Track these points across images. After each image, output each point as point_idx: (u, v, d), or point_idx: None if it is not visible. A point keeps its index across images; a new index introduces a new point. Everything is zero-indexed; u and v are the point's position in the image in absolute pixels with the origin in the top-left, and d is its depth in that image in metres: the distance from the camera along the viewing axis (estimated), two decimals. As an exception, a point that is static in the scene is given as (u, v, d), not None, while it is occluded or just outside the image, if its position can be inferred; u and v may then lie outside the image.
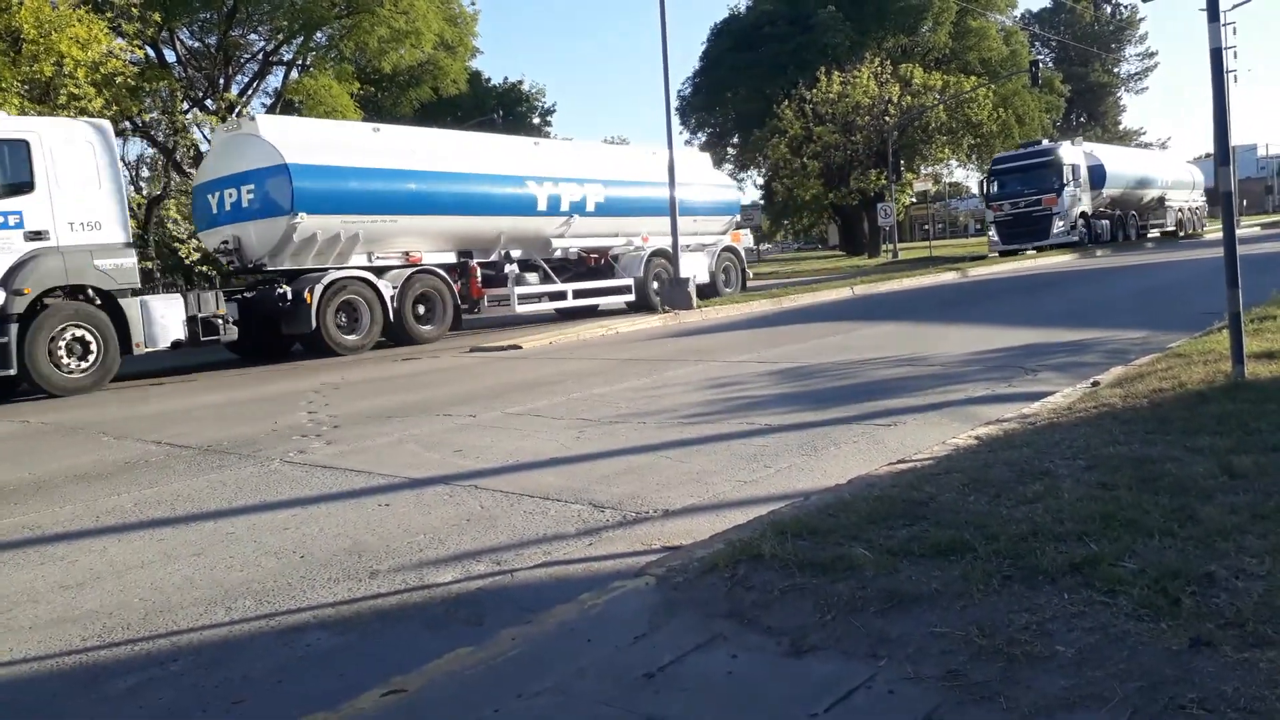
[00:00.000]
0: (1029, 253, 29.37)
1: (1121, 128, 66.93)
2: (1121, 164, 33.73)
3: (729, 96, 51.11)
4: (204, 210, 14.37)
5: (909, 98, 39.64)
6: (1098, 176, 31.25)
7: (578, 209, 16.64)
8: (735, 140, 54.81)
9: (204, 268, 31.72)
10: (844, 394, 6.55)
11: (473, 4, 40.85)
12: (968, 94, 42.49)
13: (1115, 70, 66.79)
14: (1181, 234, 37.27)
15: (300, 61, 37.23)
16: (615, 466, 4.91)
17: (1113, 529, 2.81)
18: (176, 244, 29.23)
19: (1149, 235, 35.87)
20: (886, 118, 37.78)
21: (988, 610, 2.40)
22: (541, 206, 16.10)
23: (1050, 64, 60.65)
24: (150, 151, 41.66)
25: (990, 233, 32.35)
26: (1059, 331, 9.17)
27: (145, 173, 46.75)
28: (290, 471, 5.37)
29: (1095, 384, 5.49)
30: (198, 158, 35.30)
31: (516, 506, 4.25)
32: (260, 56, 38.03)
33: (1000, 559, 2.68)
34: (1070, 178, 29.64)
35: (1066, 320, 10.42)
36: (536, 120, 54.97)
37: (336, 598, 3.28)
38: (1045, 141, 33.70)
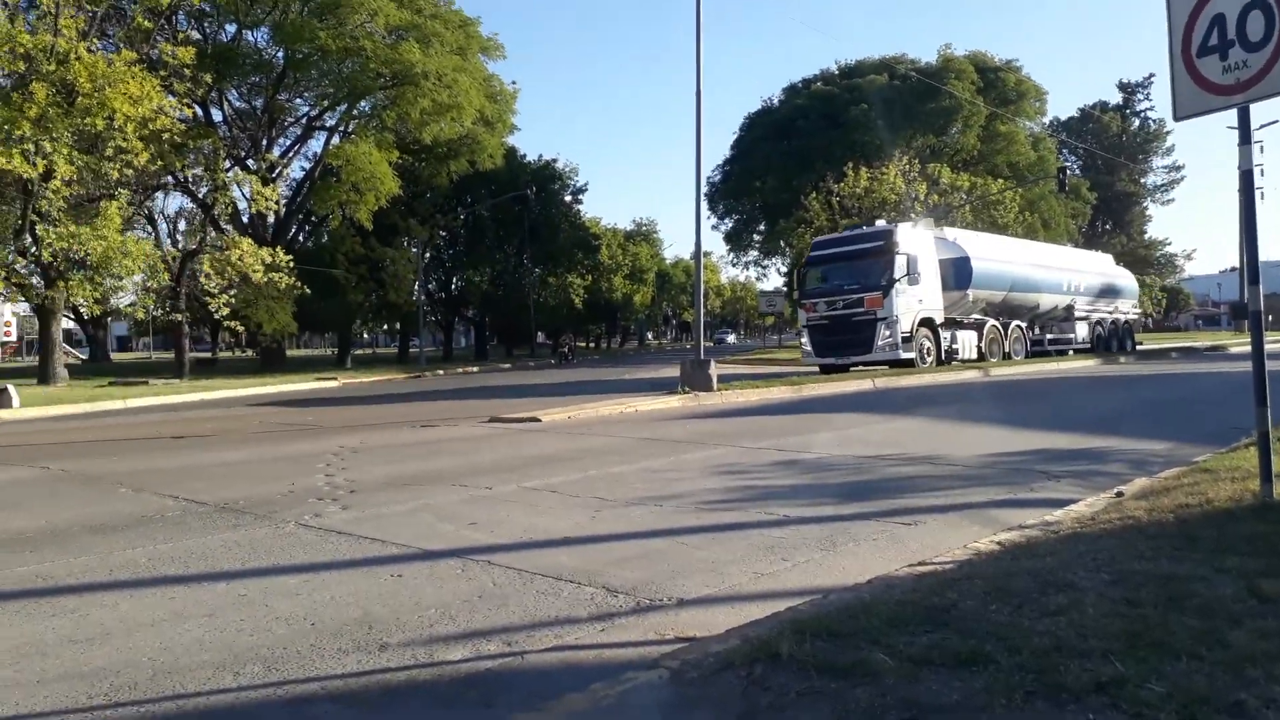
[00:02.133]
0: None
1: (1147, 237, 67.26)
2: (999, 258, 26.50)
3: (758, 185, 51.98)
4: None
5: (936, 196, 40.15)
6: (961, 273, 24.61)
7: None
8: (762, 228, 55.57)
9: (232, 323, 32.31)
10: (863, 489, 6.49)
11: (513, 83, 42.18)
12: (994, 195, 43.01)
13: (1142, 180, 67.48)
14: (1097, 352, 30.64)
15: (343, 128, 38.36)
16: (630, 550, 4.87)
17: (1139, 648, 2.76)
18: (207, 298, 29.69)
19: (1049, 352, 29.12)
20: (913, 215, 38.23)
21: (1010, 728, 2.34)
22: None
23: (1077, 171, 61.47)
24: (190, 206, 42.92)
25: (803, 340, 24.47)
26: (1080, 437, 9.10)
27: (183, 226, 47.98)
28: (305, 535, 5.36)
29: (1119, 494, 5.43)
30: (234, 216, 36.28)
31: (530, 585, 4.21)
32: (304, 121, 39.25)
33: (1023, 673, 2.63)
34: (905, 271, 22.43)
35: (1087, 426, 10.35)
36: (568, 198, 55.96)
37: (346, 669, 3.25)
38: (880, 222, 26.64)
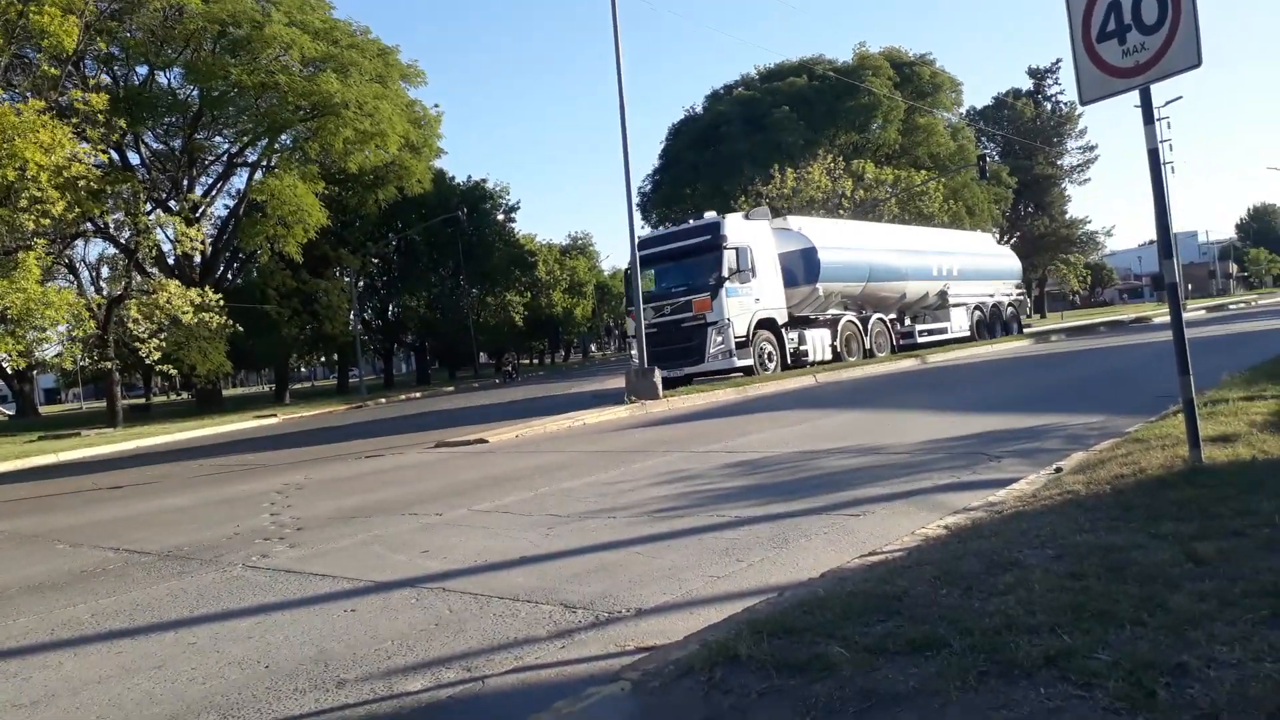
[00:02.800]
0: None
1: (1068, 217, 69.22)
2: (853, 245, 24.03)
3: (688, 192, 52.39)
4: None
5: (862, 191, 40.88)
6: (808, 265, 22.00)
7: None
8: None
9: (164, 367, 31.51)
10: (812, 484, 6.57)
11: (436, 106, 41.94)
12: (919, 187, 43.91)
13: (1058, 163, 69.44)
14: (978, 339, 28.88)
15: (265, 162, 37.74)
16: (586, 564, 4.86)
17: (1084, 620, 2.84)
18: (137, 344, 28.92)
19: (921, 344, 26.61)
20: (841, 211, 38.81)
21: (966, 708, 2.40)
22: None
23: (996, 157, 63.00)
24: (113, 252, 41.75)
25: (631, 352, 20.66)
26: (1017, 417, 9.32)
27: (106, 272, 46.68)
28: (253, 577, 5.25)
29: (1058, 470, 5.58)
30: (160, 258, 35.42)
31: (486, 609, 4.18)
32: (225, 158, 38.52)
33: (976, 654, 2.69)
34: (735, 268, 19.52)
35: (1024, 405, 10.61)
36: (501, 217, 55.75)
37: (303, 709, 3.19)
38: (711, 214, 22.23)
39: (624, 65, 16.54)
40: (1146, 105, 5.16)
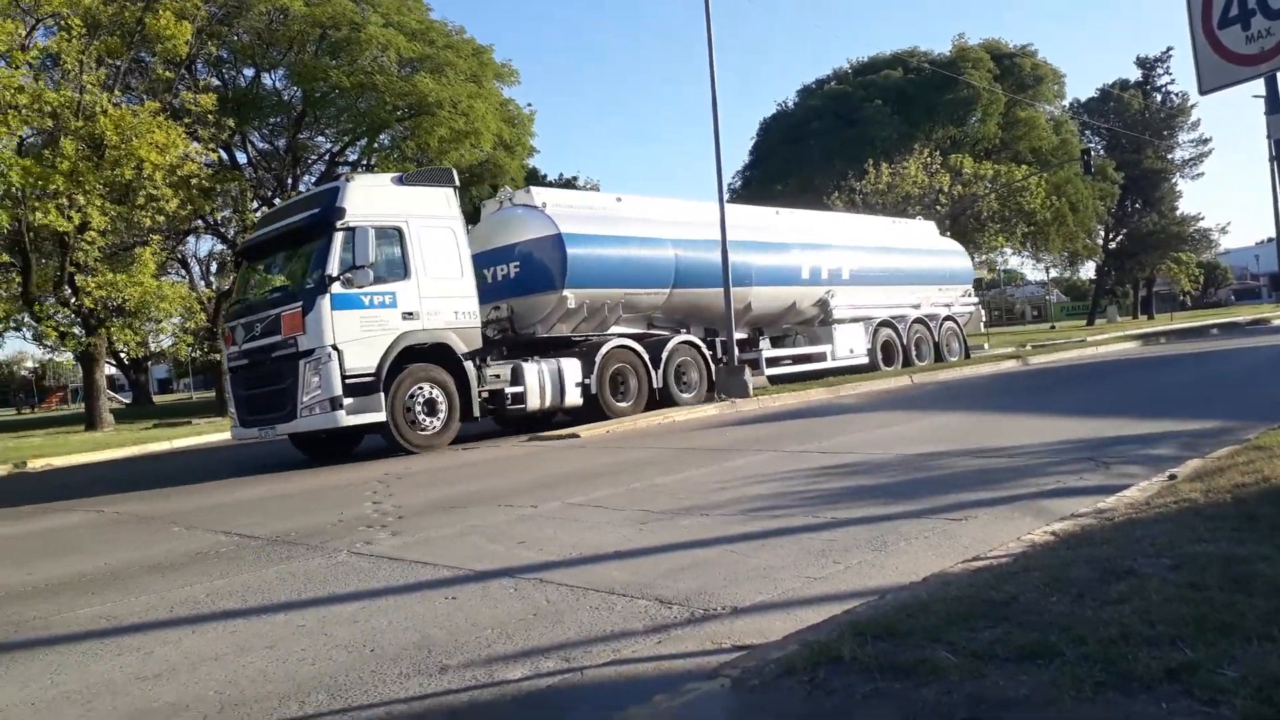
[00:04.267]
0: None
1: (1179, 214, 66.20)
2: (634, 234, 15.46)
3: (779, 189, 51.87)
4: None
5: (959, 187, 39.88)
6: (551, 262, 14.22)
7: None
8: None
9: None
10: (911, 486, 6.45)
11: (529, 105, 42.52)
12: (1019, 182, 42.61)
13: (1169, 156, 66.44)
14: (882, 367, 20.33)
15: (365, 161, 38.80)
16: (680, 561, 4.87)
17: (1207, 633, 2.71)
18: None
19: (776, 376, 18.38)
20: (938, 207, 37.94)
21: (1082, 719, 2.32)
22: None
23: (1102, 152, 60.73)
24: (220, 248, 43.59)
25: (229, 397, 13.19)
26: (1127, 422, 8.97)
27: (215, 267, 48.76)
28: (357, 563, 5.42)
29: (1173, 477, 5.35)
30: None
31: (582, 601, 4.22)
32: (326, 157, 39.77)
33: (1090, 664, 2.60)
34: (356, 261, 11.47)
35: (1131, 409, 10.20)
36: (590, 213, 56.07)
37: (408, 693, 3.27)
38: (366, 178, 14.73)
39: (716, 60, 16.41)
40: (1272, 93, 4.91)
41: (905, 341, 21.15)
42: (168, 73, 29.25)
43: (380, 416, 11.59)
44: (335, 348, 11.31)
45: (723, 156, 16.95)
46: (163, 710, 3.31)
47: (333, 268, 11.45)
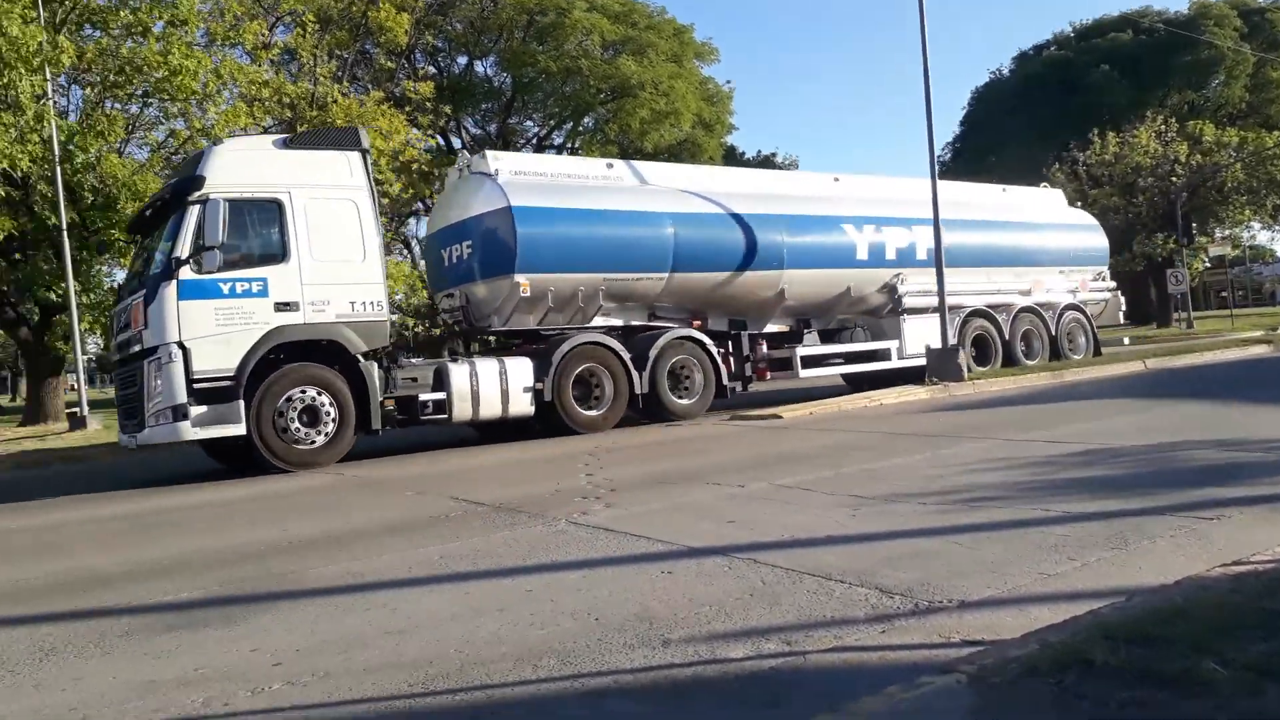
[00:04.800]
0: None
1: None
2: (617, 205, 12.86)
3: (993, 160, 49.22)
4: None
5: (1199, 156, 36.38)
6: (500, 241, 11.93)
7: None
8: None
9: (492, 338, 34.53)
10: (1151, 480, 5.97)
11: (728, 83, 42.35)
12: (1269, 150, 38.36)
13: None
14: (971, 369, 15.58)
15: (570, 144, 40.00)
16: (898, 549, 4.73)
17: None
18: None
19: (814, 393, 14.72)
20: (1173, 178, 34.80)
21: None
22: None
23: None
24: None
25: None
26: None
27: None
28: (576, 533, 5.62)
29: None
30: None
31: (799, 585, 4.19)
32: (534, 140, 41.31)
33: (1394, 689, 2.31)
34: (213, 240, 9.56)
35: None
36: (789, 191, 55.35)
37: (634, 664, 3.36)
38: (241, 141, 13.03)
39: (927, 26, 15.60)
40: None
41: (1006, 335, 16.76)
42: (389, 63, 31.22)
43: (239, 429, 9.66)
44: (181, 345, 9.49)
45: (934, 129, 16.12)
46: (409, 664, 3.54)
47: (182, 249, 9.63)
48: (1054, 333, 17.61)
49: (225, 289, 9.77)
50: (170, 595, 4.86)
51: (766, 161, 53.37)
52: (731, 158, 48.91)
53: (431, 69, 36.96)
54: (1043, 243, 17.90)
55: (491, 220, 11.93)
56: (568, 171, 13.46)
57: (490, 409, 11.31)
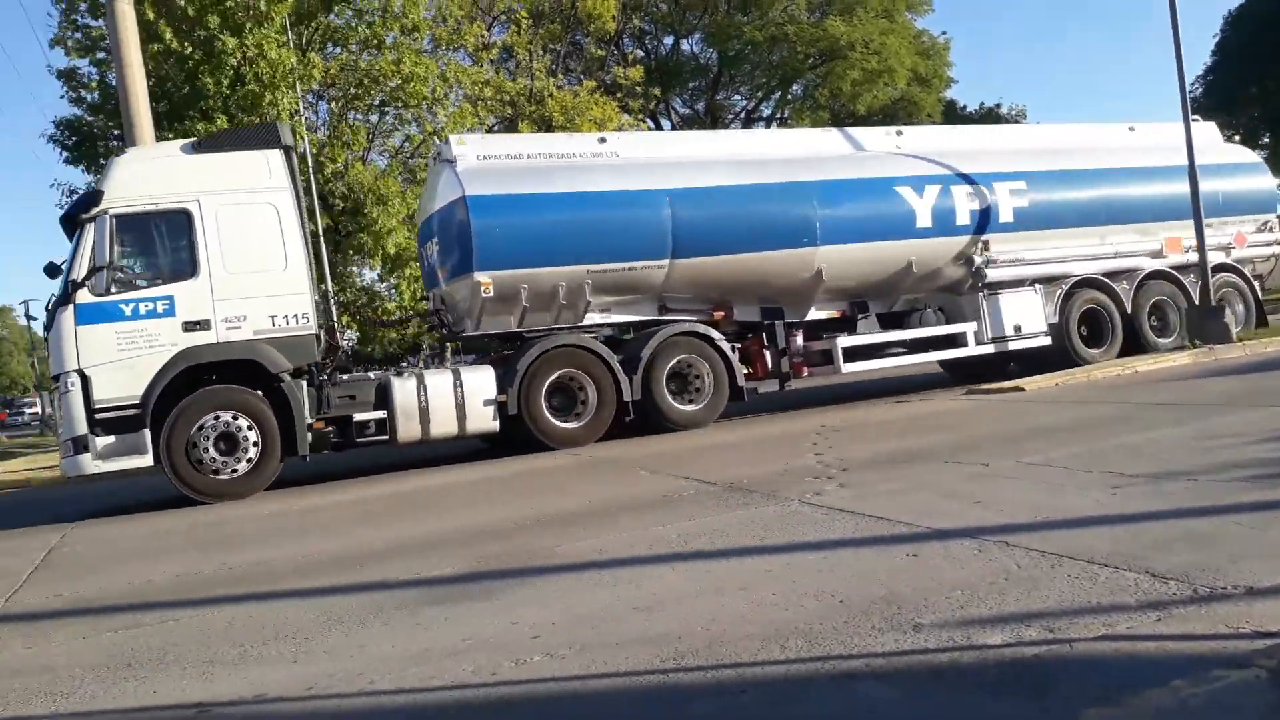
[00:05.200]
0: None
1: None
2: (602, 183, 11.25)
3: (1254, 92, 44.01)
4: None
5: None
6: (458, 235, 10.73)
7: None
8: (1266, 141, 46.96)
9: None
10: None
11: (944, 34, 40.23)
12: None
13: None
14: (1081, 351, 13.21)
15: (779, 115, 39.51)
16: (1169, 531, 4.37)
17: None
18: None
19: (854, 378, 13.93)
20: None
21: None
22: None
23: None
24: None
25: None
26: None
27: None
28: (810, 513, 5.58)
29: None
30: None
31: (1057, 569, 3.95)
32: (742, 115, 41.11)
33: None
34: (112, 259, 9.04)
35: None
36: (1017, 144, 51.95)
37: (884, 648, 3.29)
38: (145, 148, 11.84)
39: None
40: None
41: (1128, 307, 13.38)
42: (599, 51, 31.97)
43: (147, 460, 9.06)
44: (80, 373, 8.92)
45: (1183, 58, 14.40)
46: (658, 639, 3.65)
47: (78, 271, 9.08)
48: (1215, 300, 13.75)
49: (128, 311, 9.11)
50: (434, 570, 5.26)
51: (990, 115, 50.23)
52: (952, 113, 46.45)
53: (639, 52, 37.56)
54: (1185, 189, 13.64)
55: (450, 213, 10.81)
56: (550, 151, 11.71)
57: (443, 427, 10.21)
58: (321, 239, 10.56)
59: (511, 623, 4.05)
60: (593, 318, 11.25)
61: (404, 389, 10.08)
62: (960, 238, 12.67)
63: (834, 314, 12.58)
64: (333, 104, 22.11)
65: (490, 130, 27.55)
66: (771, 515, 5.65)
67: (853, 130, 14.87)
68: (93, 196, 9.35)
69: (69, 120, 20.57)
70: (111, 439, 8.94)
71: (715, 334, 11.49)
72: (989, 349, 12.74)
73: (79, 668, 4.04)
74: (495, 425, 10.43)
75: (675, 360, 11.22)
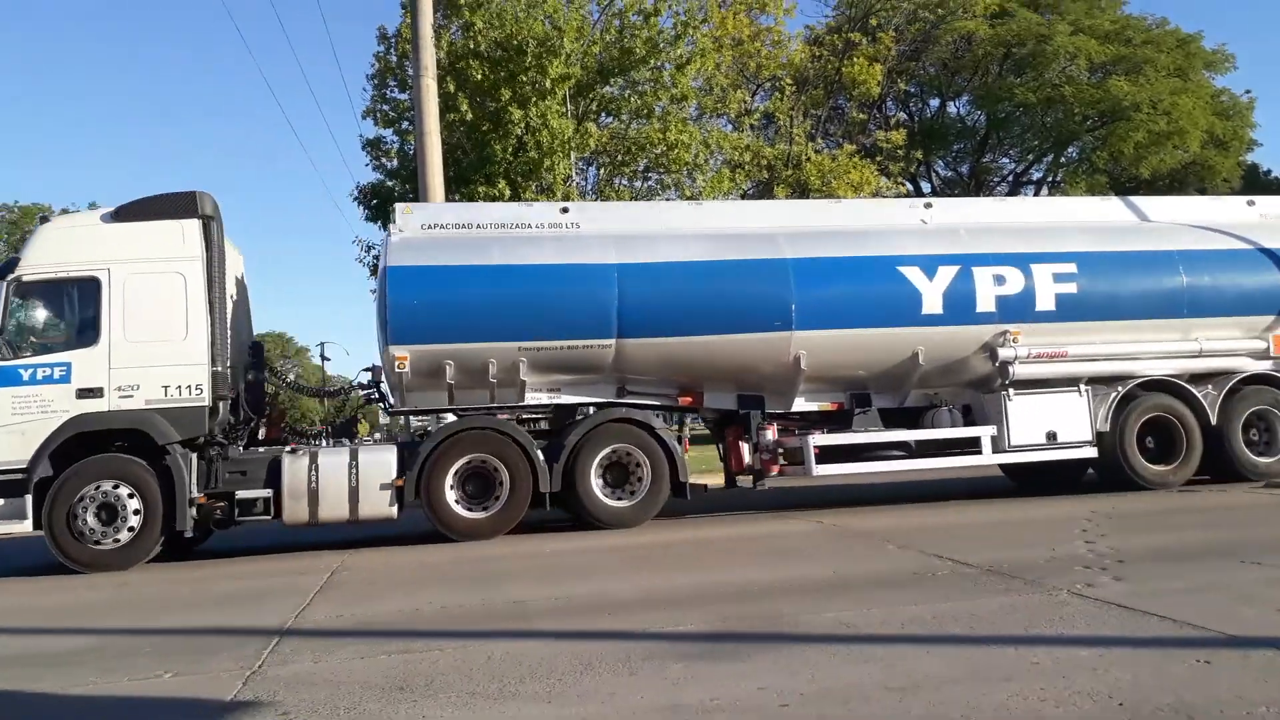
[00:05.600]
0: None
1: None
2: (553, 253, 10.66)
3: None
4: None
5: None
6: (380, 305, 10.86)
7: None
8: None
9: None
10: None
11: (1247, 93, 36.64)
12: None
13: None
14: (1138, 466, 10.97)
15: (1051, 178, 37.45)
16: None
17: None
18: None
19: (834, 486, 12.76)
20: None
21: None
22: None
23: None
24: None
25: None
26: None
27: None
28: (1081, 605, 5.17)
29: None
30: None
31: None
32: (1010, 178, 39.33)
33: None
34: (15, 323, 9.44)
35: None
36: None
37: (1175, 765, 3.00)
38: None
39: None
40: None
41: (1214, 418, 11.05)
42: (861, 114, 31.85)
43: (26, 526, 9.05)
44: None
45: None
46: (915, 724, 3.51)
47: None
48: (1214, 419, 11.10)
49: (25, 375, 9.18)
50: (681, 625, 5.33)
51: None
52: (1253, 178, 42.06)
53: (902, 115, 37.03)
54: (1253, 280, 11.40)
55: (380, 285, 10.56)
56: (504, 220, 11.06)
57: (334, 510, 9.69)
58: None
59: (759, 688, 4.03)
60: (538, 397, 10.58)
61: (293, 468, 9.65)
62: (981, 327, 10.90)
63: (828, 406, 11.22)
64: (601, 169, 23.44)
65: (745, 195, 28.08)
66: (1037, 604, 5.28)
67: (870, 202, 13.74)
68: (10, 263, 9.54)
69: (371, 185, 23.20)
70: (1, 501, 9.02)
71: (656, 422, 10.56)
72: (1011, 458, 11.13)
73: (358, 685, 4.43)
74: (393, 511, 9.82)
75: (610, 449, 10.26)
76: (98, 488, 9.11)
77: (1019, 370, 10.81)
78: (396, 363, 10.04)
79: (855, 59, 29.47)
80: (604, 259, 10.41)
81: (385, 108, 23.05)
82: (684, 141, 20.74)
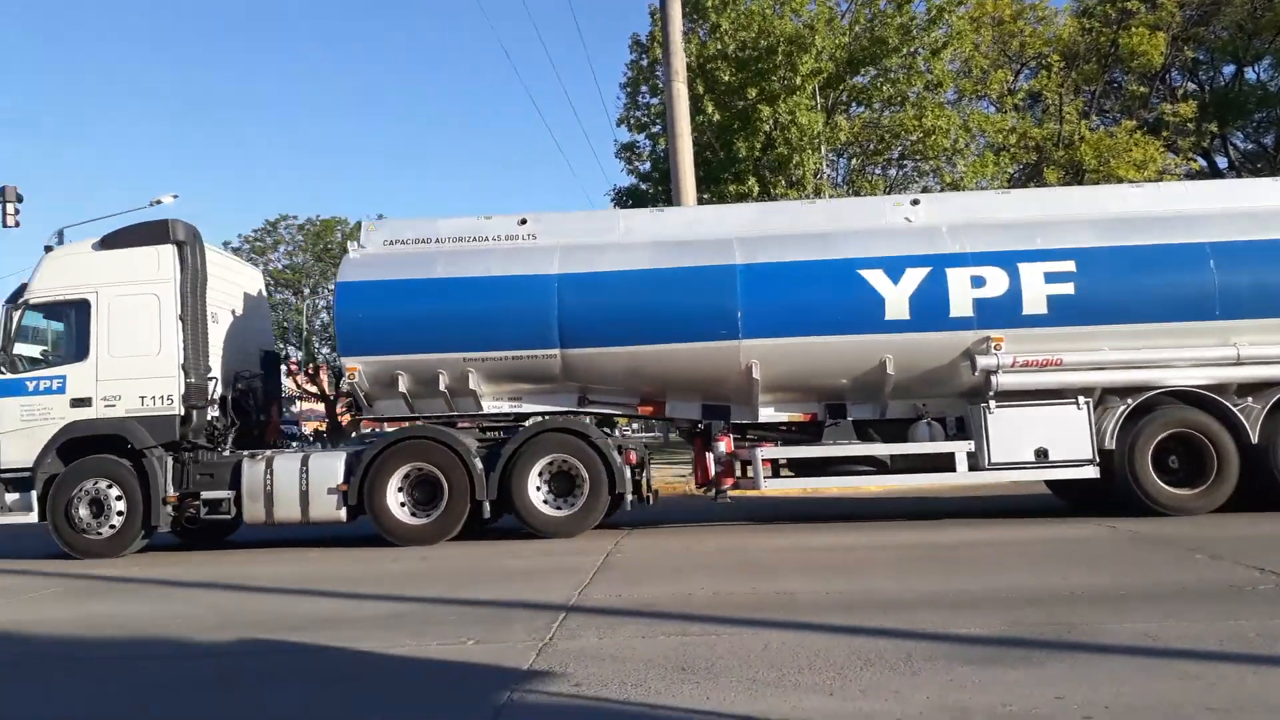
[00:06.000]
0: None
1: None
2: (495, 264, 10.54)
3: None
4: None
5: None
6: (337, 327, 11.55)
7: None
8: None
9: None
10: None
11: None
12: None
13: None
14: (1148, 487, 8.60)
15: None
16: None
17: None
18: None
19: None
20: None
21: None
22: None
23: None
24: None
25: None
26: None
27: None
28: None
29: None
30: None
31: None
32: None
33: None
34: (10, 338, 10.75)
35: None
36: None
37: None
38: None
39: None
40: None
41: (1255, 436, 9.39)
42: (1141, 88, 29.11)
43: (33, 517, 10.43)
44: None
45: None
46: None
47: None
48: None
49: (31, 387, 10.59)
50: (965, 628, 5.10)
51: None
52: None
53: (1190, 85, 33.40)
54: None
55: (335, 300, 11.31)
56: (463, 234, 11.11)
57: (286, 511, 10.30)
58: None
59: (1056, 697, 3.79)
60: (499, 406, 10.85)
61: (251, 472, 10.45)
62: (957, 333, 9.94)
63: (799, 417, 10.69)
64: (853, 160, 22.95)
65: (1010, 180, 26.34)
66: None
67: (850, 202, 13.19)
68: (21, 287, 11.03)
69: (626, 188, 24.03)
70: (16, 495, 10.54)
71: (593, 432, 10.37)
72: (990, 476, 10.04)
73: (641, 663, 4.60)
74: (341, 515, 10.29)
75: (548, 459, 10.27)
76: (93, 484, 10.42)
77: (1004, 380, 9.84)
78: (348, 373, 10.83)
79: (1133, 29, 26.95)
80: (546, 270, 10.56)
81: (638, 114, 23.84)
82: (941, 127, 19.88)
